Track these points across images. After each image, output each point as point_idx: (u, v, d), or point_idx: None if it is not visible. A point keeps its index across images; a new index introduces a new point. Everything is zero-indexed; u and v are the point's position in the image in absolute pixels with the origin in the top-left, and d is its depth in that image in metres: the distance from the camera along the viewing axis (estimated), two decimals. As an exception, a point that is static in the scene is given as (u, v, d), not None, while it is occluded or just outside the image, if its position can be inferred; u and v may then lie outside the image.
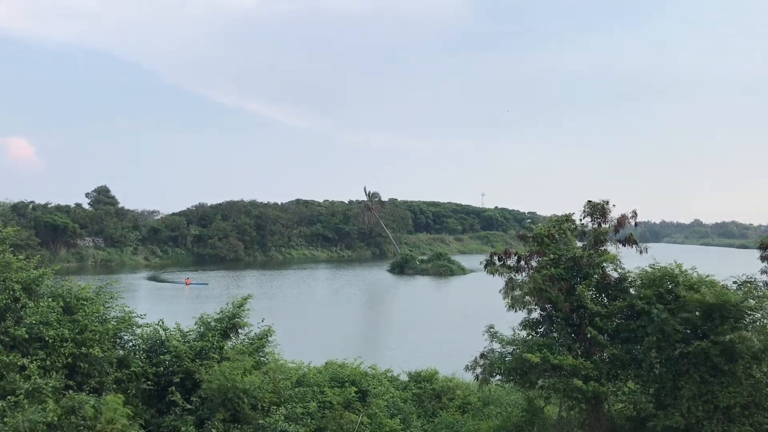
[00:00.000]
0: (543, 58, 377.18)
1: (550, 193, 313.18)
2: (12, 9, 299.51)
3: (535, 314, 15.45)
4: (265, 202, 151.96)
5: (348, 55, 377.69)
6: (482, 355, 15.51)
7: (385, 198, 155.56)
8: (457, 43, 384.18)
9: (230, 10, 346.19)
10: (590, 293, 14.67)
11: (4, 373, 11.00)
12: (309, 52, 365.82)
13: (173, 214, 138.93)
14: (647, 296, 13.91)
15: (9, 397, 10.41)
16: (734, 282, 14.24)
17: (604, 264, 15.10)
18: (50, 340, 11.77)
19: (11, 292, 12.36)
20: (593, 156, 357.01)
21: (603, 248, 15.40)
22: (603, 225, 15.58)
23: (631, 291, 14.88)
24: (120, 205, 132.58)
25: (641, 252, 15.61)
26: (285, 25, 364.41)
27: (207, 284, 77.25)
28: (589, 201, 15.70)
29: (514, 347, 14.94)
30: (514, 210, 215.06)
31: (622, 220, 15.42)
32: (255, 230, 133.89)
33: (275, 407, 13.02)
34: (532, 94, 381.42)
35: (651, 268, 14.55)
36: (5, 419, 9.92)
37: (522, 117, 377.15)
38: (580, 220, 15.94)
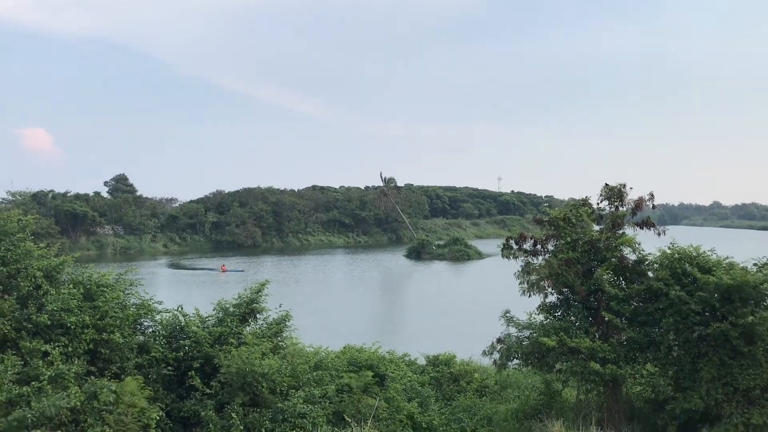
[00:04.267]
0: (558, 43, 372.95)
1: (567, 177, 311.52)
2: (26, 1, 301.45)
3: (552, 298, 15.45)
4: (282, 188, 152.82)
5: (362, 42, 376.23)
6: (499, 340, 15.54)
7: (401, 183, 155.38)
8: (471, 28, 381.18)
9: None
10: (608, 276, 14.62)
11: (28, 359, 11.17)
12: (322, 41, 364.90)
13: (191, 201, 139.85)
14: (664, 278, 13.85)
15: (33, 383, 10.58)
16: (755, 264, 14.13)
17: (622, 247, 15.04)
18: (72, 327, 11.92)
19: (33, 280, 12.53)
20: (610, 139, 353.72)
21: (620, 231, 15.34)
22: (620, 208, 15.51)
23: (649, 274, 14.82)
24: (138, 194, 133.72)
25: (659, 234, 15.52)
26: (297, 13, 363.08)
27: (243, 271, 77.63)
28: (606, 184, 15.63)
29: (531, 331, 14.96)
30: (531, 194, 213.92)
31: (639, 203, 15.34)
32: (272, 217, 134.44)
33: (293, 391, 13.13)
34: (547, 79, 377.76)
35: (669, 249, 14.47)
36: (31, 404, 10.10)
37: (538, 101, 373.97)
38: (598, 203, 15.88)
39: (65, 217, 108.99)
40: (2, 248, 12.46)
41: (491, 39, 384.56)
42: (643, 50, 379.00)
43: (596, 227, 15.71)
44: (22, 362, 10.96)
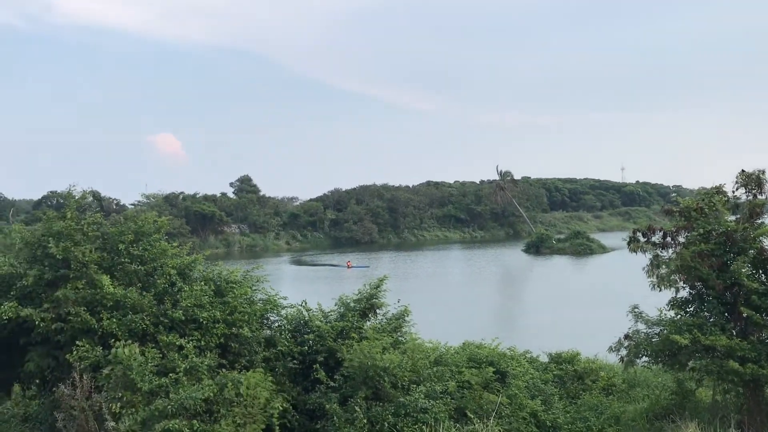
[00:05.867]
0: (687, 20, 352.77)
1: (697, 166, 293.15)
2: (148, 13, 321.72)
3: (684, 293, 14.65)
4: (397, 185, 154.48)
5: (471, 33, 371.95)
6: (627, 336, 14.91)
7: (517, 176, 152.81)
8: (584, 11, 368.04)
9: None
10: (746, 269, 13.68)
11: (165, 352, 11.84)
12: (432, 34, 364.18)
13: (311, 200, 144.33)
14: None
15: (171, 375, 11.21)
16: None
17: (761, 238, 14.02)
18: (204, 322, 12.49)
19: (168, 277, 13.25)
20: (745, 122, 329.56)
21: (759, 221, 14.30)
22: (759, 196, 14.45)
23: (794, 267, 13.75)
24: (261, 193, 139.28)
25: (805, 224, 14.35)
26: (408, 9, 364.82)
27: (368, 267, 79.25)
28: (743, 171, 14.61)
29: (661, 327, 14.25)
30: (657, 184, 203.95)
31: (781, 191, 14.25)
32: (388, 213, 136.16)
33: (415, 386, 13.19)
34: (672, 62, 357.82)
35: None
36: (170, 394, 10.72)
37: (662, 86, 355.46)
38: (733, 191, 14.87)
39: (195, 217, 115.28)
40: (140, 248, 13.28)
41: (608, 21, 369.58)
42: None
43: (732, 217, 14.73)
44: (161, 355, 11.63)
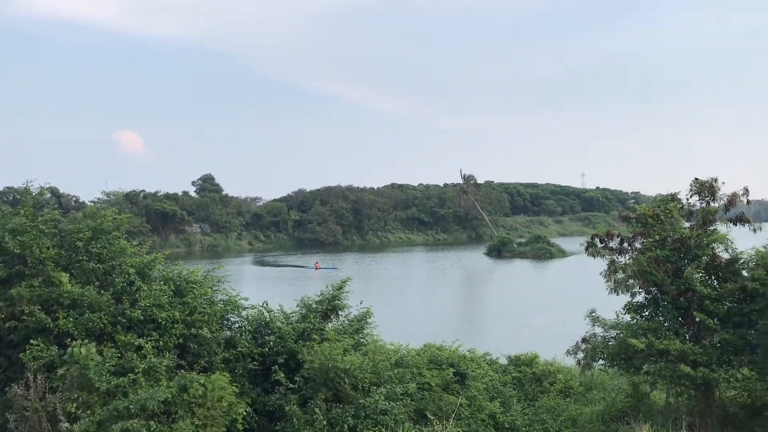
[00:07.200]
0: (648, 35, 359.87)
1: (656, 173, 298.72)
2: (119, 9, 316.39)
3: (640, 297, 14.97)
4: (361, 186, 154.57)
5: (441, 37, 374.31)
6: (584, 340, 15.18)
7: (480, 180, 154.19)
8: (551, 20, 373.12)
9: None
10: (699, 275, 14.04)
11: (123, 352, 11.68)
12: (402, 38, 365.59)
13: (274, 200, 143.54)
14: (761, 277, 13.16)
15: (129, 375, 11.06)
16: None
17: (714, 245, 14.40)
18: (163, 322, 12.37)
19: (126, 276, 13.05)
20: (700, 132, 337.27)
21: (712, 228, 14.69)
22: (712, 204, 14.84)
23: (744, 273, 14.14)
24: (224, 193, 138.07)
25: (755, 231, 14.77)
26: (378, 11, 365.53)
27: (336, 268, 78.98)
28: (696, 179, 14.99)
29: (618, 331, 14.53)
30: (616, 190, 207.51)
31: (732, 199, 14.63)
32: (352, 215, 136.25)
33: (375, 387, 13.22)
34: (632, 71, 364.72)
35: (765, 248, 13.75)
36: (128, 395, 10.56)
37: (623, 95, 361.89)
38: (687, 199, 15.26)
39: (156, 215, 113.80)
40: (99, 246, 13.07)
41: (571, 31, 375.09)
42: (742, 41, 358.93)
43: (686, 224, 15.10)
44: (119, 355, 11.46)
